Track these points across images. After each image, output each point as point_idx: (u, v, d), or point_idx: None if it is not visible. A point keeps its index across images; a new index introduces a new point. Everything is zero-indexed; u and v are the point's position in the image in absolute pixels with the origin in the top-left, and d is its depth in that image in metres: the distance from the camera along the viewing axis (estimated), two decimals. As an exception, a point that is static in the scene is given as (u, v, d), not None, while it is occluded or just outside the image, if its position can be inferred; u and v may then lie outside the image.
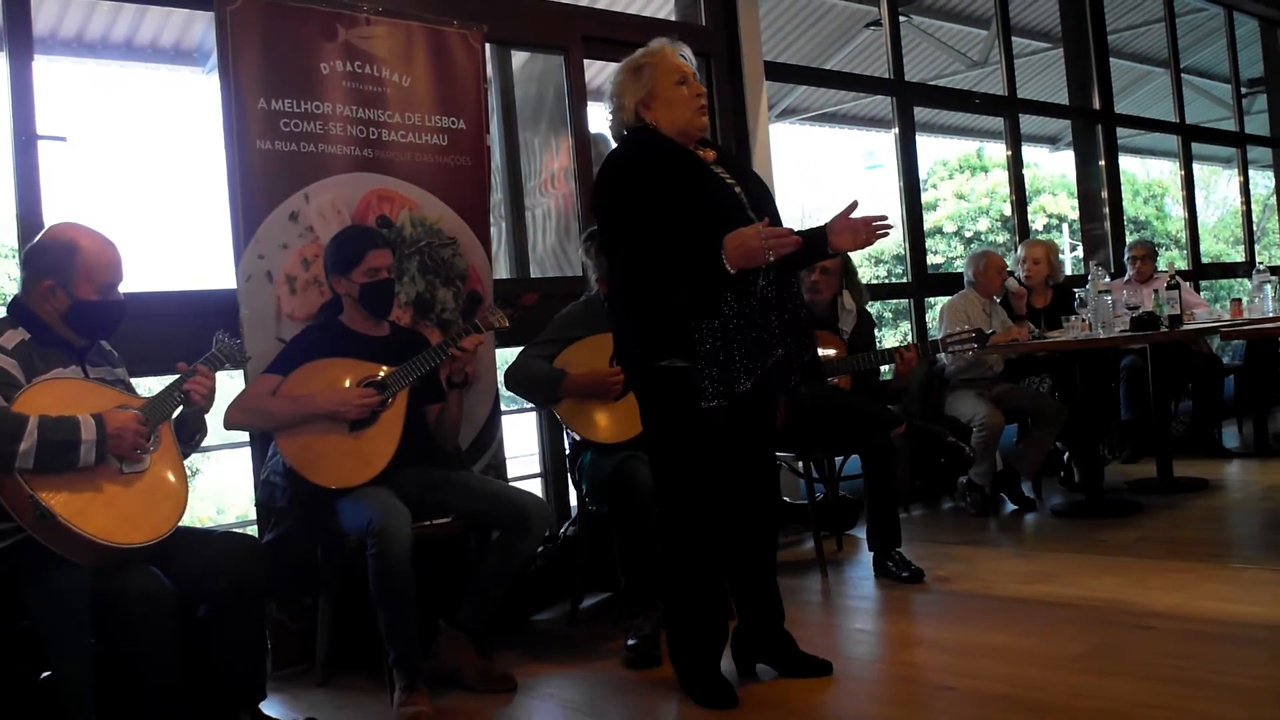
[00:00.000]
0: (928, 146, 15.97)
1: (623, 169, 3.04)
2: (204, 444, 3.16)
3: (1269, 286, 5.92)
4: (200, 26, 6.07)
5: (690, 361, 2.92)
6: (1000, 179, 16.39)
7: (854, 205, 3.05)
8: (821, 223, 3.11)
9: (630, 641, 3.55)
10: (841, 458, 5.03)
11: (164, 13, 5.99)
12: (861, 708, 3.07)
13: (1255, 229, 10.38)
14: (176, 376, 2.92)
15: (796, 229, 2.98)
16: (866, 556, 4.52)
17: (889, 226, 3.06)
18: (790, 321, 3.03)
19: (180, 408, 2.93)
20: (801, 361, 3.10)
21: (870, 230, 3.05)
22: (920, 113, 6.97)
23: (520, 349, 4.06)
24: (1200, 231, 9.27)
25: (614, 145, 3.20)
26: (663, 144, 3.06)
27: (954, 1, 9.54)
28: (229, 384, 3.26)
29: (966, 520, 5.45)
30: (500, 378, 4.31)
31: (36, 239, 2.92)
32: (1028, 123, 8.02)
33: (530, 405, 4.64)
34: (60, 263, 2.84)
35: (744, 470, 3.16)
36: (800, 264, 3.19)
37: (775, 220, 3.09)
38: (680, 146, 3.07)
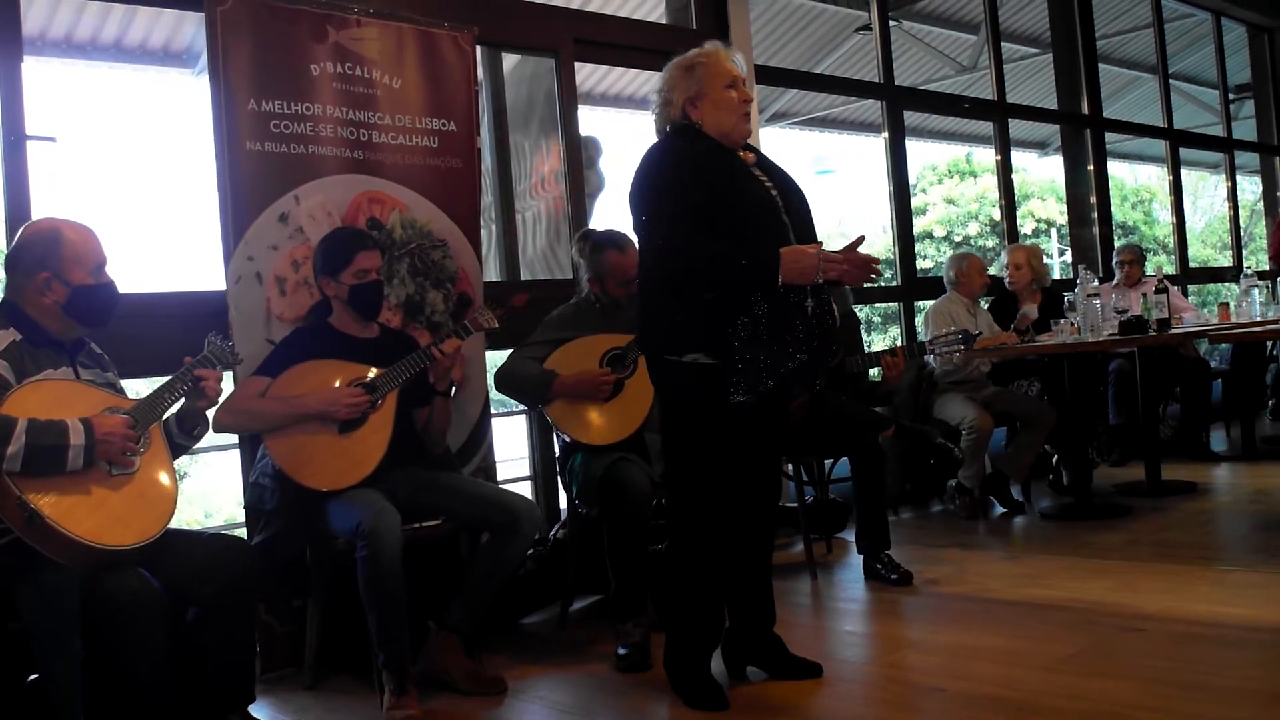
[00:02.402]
0: (917, 151, 16.01)
1: (663, 161, 3.05)
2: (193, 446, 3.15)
3: (1256, 291, 5.94)
4: (190, 28, 6.06)
5: (717, 358, 2.93)
6: (989, 184, 16.44)
7: (860, 240, 3.06)
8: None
9: (621, 650, 3.54)
10: (831, 461, 5.03)
11: (153, 14, 5.98)
12: (852, 709, 3.07)
13: (1243, 234, 10.42)
14: (168, 378, 2.92)
15: None
16: (856, 559, 4.52)
17: (879, 272, 3.06)
18: (818, 327, 3.03)
19: (171, 410, 2.92)
20: (826, 366, 3.10)
21: (865, 270, 3.04)
22: (910, 117, 6.99)
23: (510, 351, 4.06)
24: (1188, 236, 9.30)
25: (655, 140, 3.20)
26: (705, 142, 3.07)
27: (944, 6, 9.58)
28: (218, 386, 3.25)
29: (956, 523, 5.46)
30: (490, 380, 4.31)
31: (17, 238, 2.92)
32: (1017, 127, 8.04)
33: (521, 408, 4.63)
34: (50, 253, 2.84)
35: (753, 473, 3.16)
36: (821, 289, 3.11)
37: (809, 226, 3.11)
38: (720, 145, 3.08)
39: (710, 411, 2.96)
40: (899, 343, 6.50)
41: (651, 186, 3.04)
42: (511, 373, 3.94)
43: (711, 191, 2.97)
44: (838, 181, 18.56)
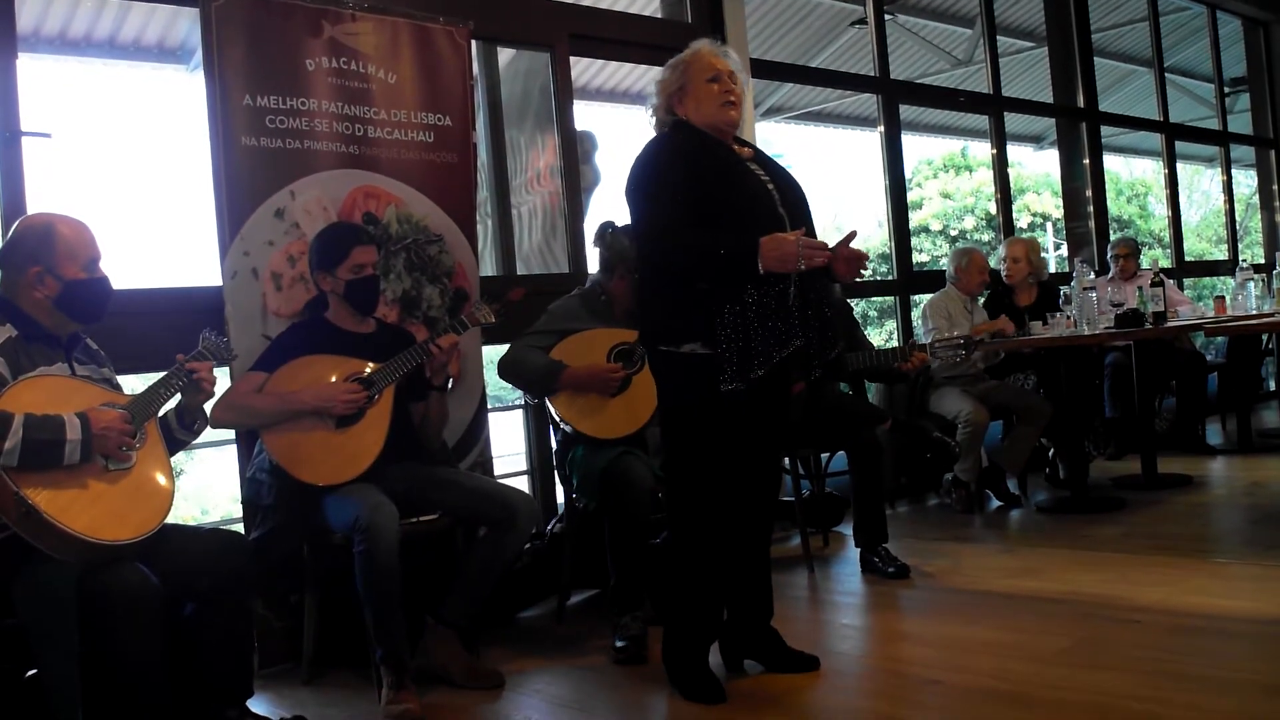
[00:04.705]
0: (913, 145, 16.03)
1: (656, 156, 3.08)
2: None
3: (1252, 284, 5.95)
4: (184, 24, 6.05)
5: (711, 348, 2.94)
6: (985, 178, 16.45)
7: (853, 235, 3.07)
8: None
9: (619, 643, 3.55)
10: (828, 455, 5.04)
11: (148, 10, 5.98)
12: (849, 702, 3.08)
13: (1238, 227, 10.42)
14: (163, 374, 2.92)
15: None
16: (853, 553, 4.53)
17: (865, 267, 3.10)
18: (814, 317, 3.04)
19: (167, 405, 2.92)
20: (824, 355, 3.10)
21: (856, 266, 3.07)
22: (905, 111, 6.98)
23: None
24: (1183, 230, 9.31)
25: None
26: (697, 136, 3.10)
27: (939, 0, 9.57)
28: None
29: (952, 517, 5.47)
30: (487, 374, 4.31)
31: (10, 233, 2.91)
32: (1012, 121, 8.05)
33: (518, 402, 4.64)
34: (42, 247, 2.83)
35: (751, 465, 3.16)
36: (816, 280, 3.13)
37: (806, 220, 3.12)
38: (714, 139, 3.10)
39: (707, 402, 2.98)
40: (896, 337, 6.49)
41: (644, 181, 3.07)
42: (516, 361, 3.92)
43: (704, 185, 2.99)
44: (832, 176, 18.55)
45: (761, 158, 3.22)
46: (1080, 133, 8.13)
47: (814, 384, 3.19)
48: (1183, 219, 9.29)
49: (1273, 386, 9.02)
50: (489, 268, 4.81)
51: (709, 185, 3.00)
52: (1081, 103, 8.08)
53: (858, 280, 3.26)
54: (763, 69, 6.39)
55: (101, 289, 2.92)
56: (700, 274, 2.96)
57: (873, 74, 6.79)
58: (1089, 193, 8.08)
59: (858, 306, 5.60)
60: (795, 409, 3.27)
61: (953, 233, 17.75)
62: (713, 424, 3.02)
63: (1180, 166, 9.46)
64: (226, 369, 3.55)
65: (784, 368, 3.01)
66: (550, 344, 3.93)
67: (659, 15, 5.87)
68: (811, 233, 3.11)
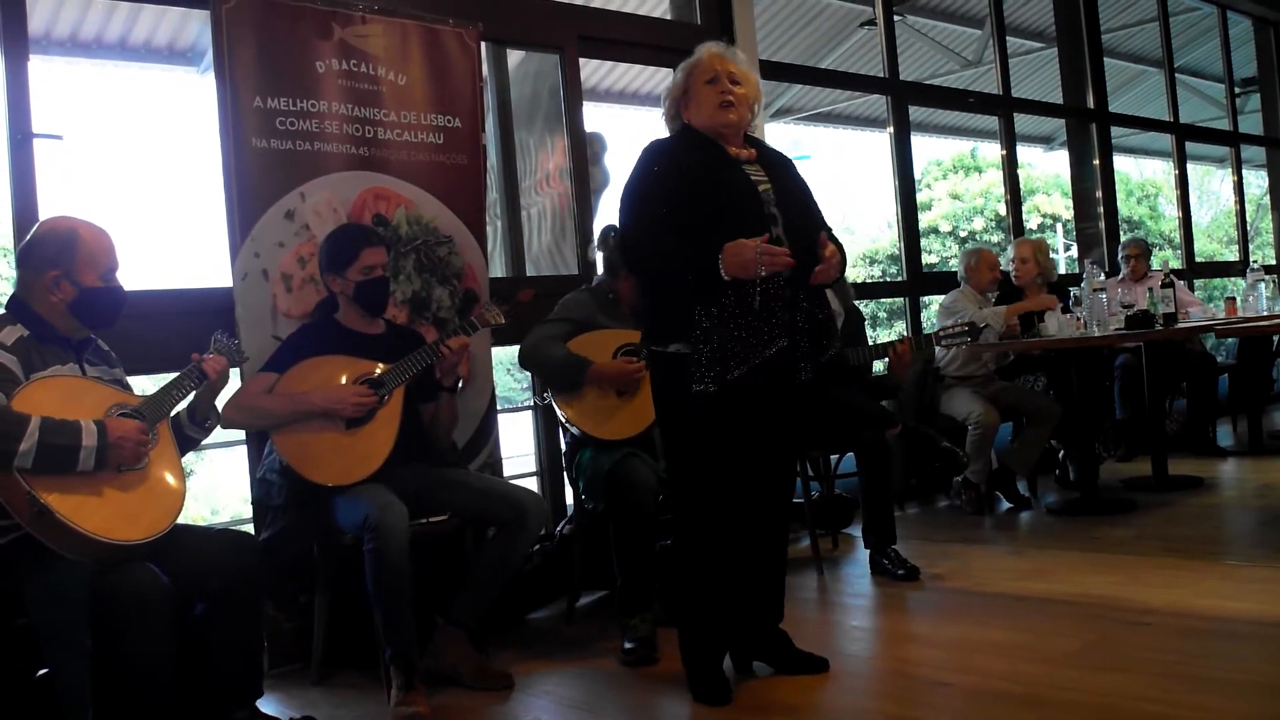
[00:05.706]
0: (922, 146, 16.00)
1: (646, 161, 3.11)
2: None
3: (1263, 285, 5.94)
4: (195, 26, 6.07)
5: (691, 348, 2.95)
6: (995, 179, 16.42)
7: (823, 237, 3.06)
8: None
9: (627, 645, 3.54)
10: (837, 456, 5.03)
11: (158, 13, 5.99)
12: (858, 704, 3.08)
13: (1249, 228, 10.40)
14: (175, 375, 2.93)
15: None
16: (862, 554, 4.52)
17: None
18: (804, 319, 3.04)
19: (180, 405, 2.93)
20: (814, 358, 3.10)
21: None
22: (915, 112, 6.97)
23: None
24: (1194, 231, 9.28)
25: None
26: (694, 138, 3.12)
27: (948, 1, 9.56)
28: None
29: (962, 518, 5.45)
30: (497, 375, 4.31)
31: (32, 234, 2.92)
32: (1022, 122, 8.03)
33: (527, 404, 4.64)
34: (63, 252, 2.85)
35: (756, 466, 3.16)
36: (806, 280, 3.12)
37: (806, 221, 3.10)
38: (710, 140, 3.11)
39: (688, 400, 2.99)
40: (905, 335, 6.49)
41: (631, 185, 3.10)
42: (538, 349, 3.90)
43: (693, 187, 3.00)
44: (841, 177, 18.53)
45: (766, 158, 3.20)
46: (1090, 133, 8.11)
47: (818, 386, 3.18)
48: (1193, 220, 9.26)
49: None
50: (498, 269, 4.82)
51: (697, 187, 3.01)
52: (1091, 103, 8.06)
53: (872, 280, 3.27)
54: (772, 70, 6.38)
55: (115, 297, 2.93)
56: (676, 277, 2.99)
57: (882, 75, 6.78)
58: (1099, 194, 8.06)
59: (867, 308, 5.59)
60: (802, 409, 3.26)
61: (962, 234, 17.73)
62: (696, 422, 3.02)
63: (1191, 167, 9.42)
64: (238, 370, 3.56)
65: (778, 369, 3.01)
66: (567, 332, 3.92)
67: (668, 17, 5.87)
68: (814, 231, 3.09)
